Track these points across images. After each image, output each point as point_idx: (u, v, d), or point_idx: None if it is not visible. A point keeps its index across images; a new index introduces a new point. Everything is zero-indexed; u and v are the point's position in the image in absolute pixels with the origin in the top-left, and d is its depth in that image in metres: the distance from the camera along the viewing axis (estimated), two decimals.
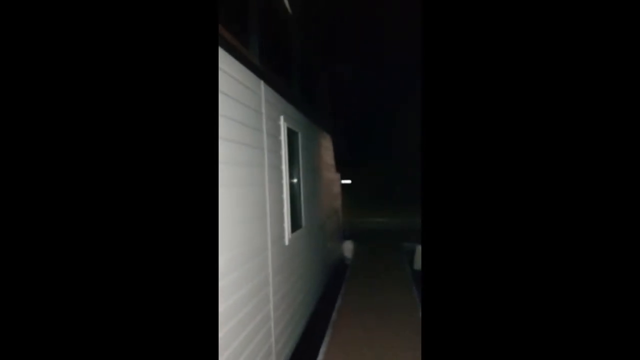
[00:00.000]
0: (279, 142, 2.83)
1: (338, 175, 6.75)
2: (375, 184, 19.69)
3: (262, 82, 2.43)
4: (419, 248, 6.05)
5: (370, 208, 14.36)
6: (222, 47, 1.69)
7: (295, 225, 3.20)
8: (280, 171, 2.84)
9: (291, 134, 3.24)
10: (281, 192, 2.82)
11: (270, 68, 2.80)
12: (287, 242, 2.85)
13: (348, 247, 6.59)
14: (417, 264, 6.01)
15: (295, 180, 3.42)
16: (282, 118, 2.86)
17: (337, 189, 6.59)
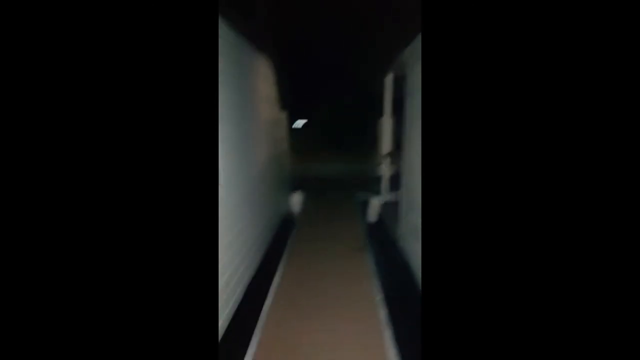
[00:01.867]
0: None
1: (284, 114, 5.54)
2: (330, 125, 18.52)
3: None
4: (373, 200, 5.35)
5: (324, 153, 13.50)
6: None
7: None
8: None
9: None
10: None
11: None
12: None
13: (296, 200, 5.67)
14: (371, 215, 5.34)
15: None
16: None
17: (281, 131, 5.43)
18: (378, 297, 2.63)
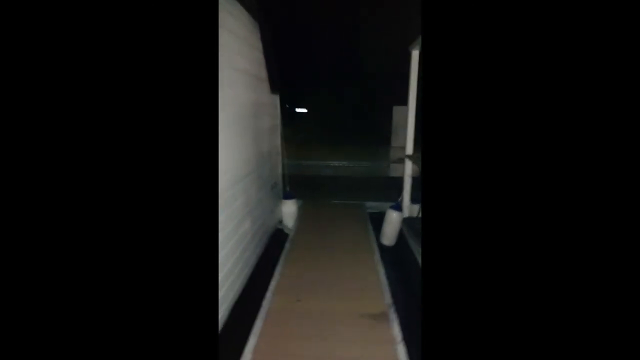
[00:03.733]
0: None
1: (275, 98, 4.19)
2: (334, 113, 16.86)
3: None
4: (389, 213, 3.97)
5: (326, 146, 12.09)
6: None
7: None
8: None
9: None
10: None
11: None
12: None
13: (289, 211, 4.37)
14: (389, 237, 3.99)
15: None
16: None
17: (272, 120, 4.09)
18: None
